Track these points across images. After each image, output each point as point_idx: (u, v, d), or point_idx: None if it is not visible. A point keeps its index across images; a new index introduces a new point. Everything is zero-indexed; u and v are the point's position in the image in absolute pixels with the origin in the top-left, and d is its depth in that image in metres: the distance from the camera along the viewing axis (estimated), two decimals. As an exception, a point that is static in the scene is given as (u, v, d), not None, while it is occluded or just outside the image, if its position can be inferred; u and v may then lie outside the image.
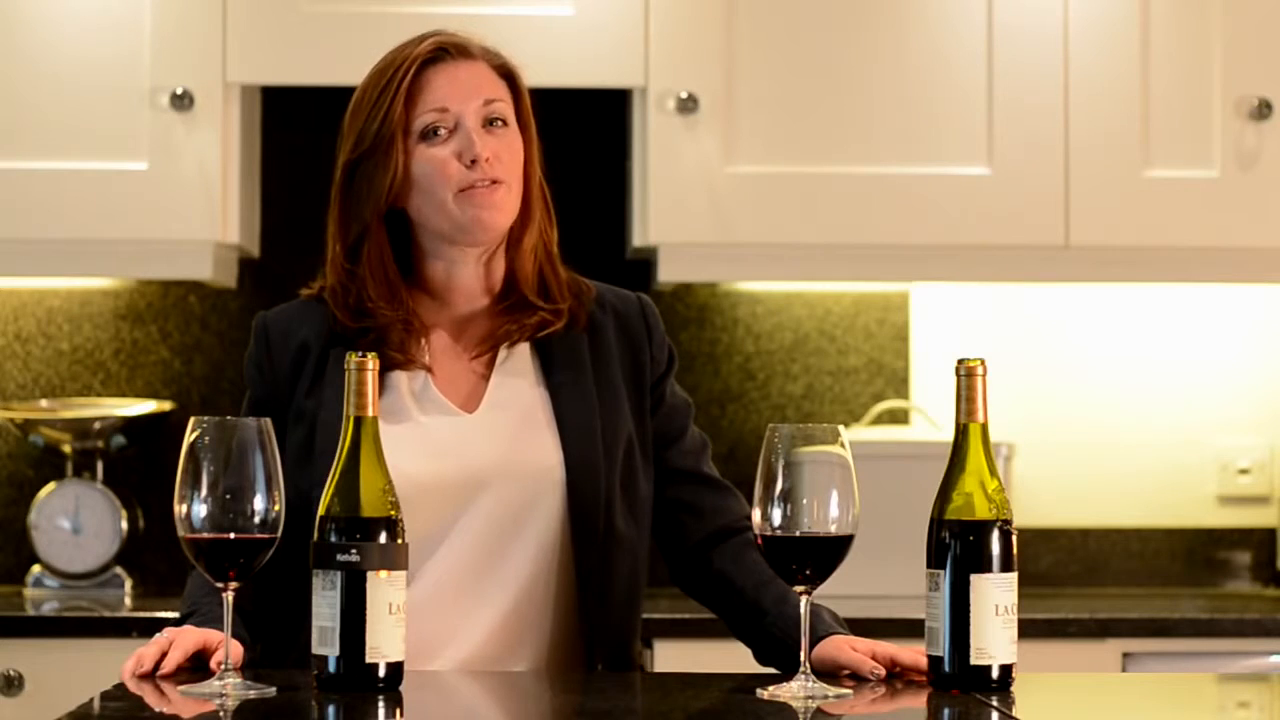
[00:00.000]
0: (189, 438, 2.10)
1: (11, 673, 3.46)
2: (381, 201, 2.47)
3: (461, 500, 2.43)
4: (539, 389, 2.50)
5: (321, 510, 2.12)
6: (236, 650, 2.26)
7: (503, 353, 2.51)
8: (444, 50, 2.49)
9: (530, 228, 2.53)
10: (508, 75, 2.54)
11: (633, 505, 2.50)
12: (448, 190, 2.46)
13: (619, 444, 2.48)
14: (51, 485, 3.89)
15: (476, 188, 2.45)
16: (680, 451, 2.57)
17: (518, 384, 2.50)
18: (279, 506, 2.11)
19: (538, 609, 2.46)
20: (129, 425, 3.89)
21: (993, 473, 2.21)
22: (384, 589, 2.09)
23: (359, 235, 2.49)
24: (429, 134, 2.47)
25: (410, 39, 2.52)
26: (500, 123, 2.49)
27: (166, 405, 3.96)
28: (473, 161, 2.45)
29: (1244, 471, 4.12)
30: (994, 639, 2.16)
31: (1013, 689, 2.18)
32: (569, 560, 2.46)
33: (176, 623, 2.37)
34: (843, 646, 2.31)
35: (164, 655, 2.23)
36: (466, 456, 2.44)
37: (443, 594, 2.43)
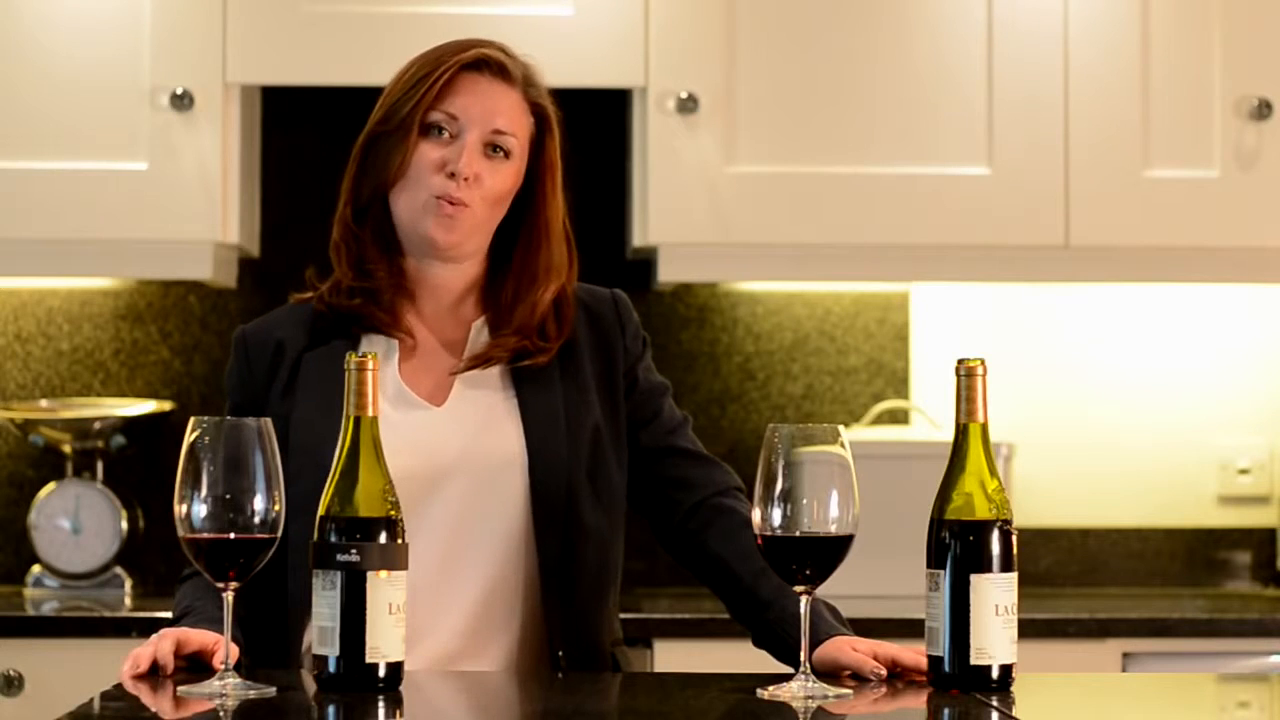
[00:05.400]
0: (189, 438, 2.11)
1: (11, 673, 3.46)
2: (387, 180, 2.50)
3: (425, 493, 2.43)
4: (506, 383, 2.52)
5: (321, 510, 2.12)
6: (233, 651, 2.26)
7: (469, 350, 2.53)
8: (485, 63, 2.51)
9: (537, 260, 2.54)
10: (541, 114, 2.55)
11: (601, 495, 2.51)
12: (422, 190, 2.48)
13: (584, 433, 2.49)
14: (51, 485, 3.89)
15: (443, 201, 2.47)
16: (657, 430, 2.58)
17: (485, 378, 2.52)
18: (279, 506, 2.11)
19: (506, 604, 2.46)
20: (129, 425, 3.89)
21: (993, 473, 2.21)
22: (384, 589, 2.09)
23: (366, 204, 2.52)
24: (431, 130, 2.49)
25: (465, 39, 2.54)
26: (502, 154, 2.50)
27: (166, 405, 3.96)
28: (452, 175, 2.47)
29: (1244, 471, 4.11)
30: (994, 639, 2.16)
31: (1013, 689, 2.18)
32: (534, 552, 2.47)
33: (170, 623, 2.37)
34: (844, 647, 2.31)
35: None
36: (431, 450, 2.45)
37: (411, 590, 2.42)
